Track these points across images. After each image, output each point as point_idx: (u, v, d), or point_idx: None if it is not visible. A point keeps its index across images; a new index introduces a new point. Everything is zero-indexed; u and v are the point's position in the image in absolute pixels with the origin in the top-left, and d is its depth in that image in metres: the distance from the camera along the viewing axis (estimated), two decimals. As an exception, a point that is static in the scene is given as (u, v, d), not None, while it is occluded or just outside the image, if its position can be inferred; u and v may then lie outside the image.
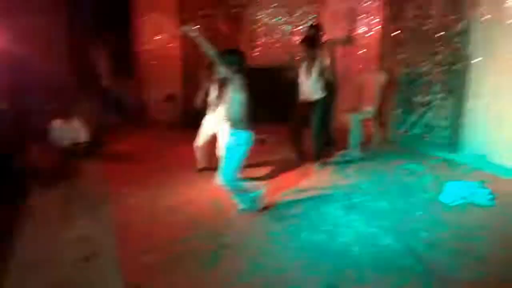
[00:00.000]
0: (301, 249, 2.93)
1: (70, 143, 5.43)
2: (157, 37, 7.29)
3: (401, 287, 2.47)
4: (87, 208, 3.79)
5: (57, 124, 5.43)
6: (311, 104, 4.67)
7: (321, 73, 4.56)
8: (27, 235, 3.32)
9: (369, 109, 5.41)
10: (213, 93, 4.42)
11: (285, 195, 3.93)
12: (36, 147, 5.15)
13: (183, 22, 7.13)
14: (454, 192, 3.68)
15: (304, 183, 4.26)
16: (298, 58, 4.78)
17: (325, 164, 4.76)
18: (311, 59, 4.59)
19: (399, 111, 5.47)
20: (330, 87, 4.69)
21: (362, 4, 5.95)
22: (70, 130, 5.49)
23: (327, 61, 4.65)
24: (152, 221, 3.48)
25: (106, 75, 7.76)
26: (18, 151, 4.90)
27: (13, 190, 4.18)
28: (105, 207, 3.82)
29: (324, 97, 4.65)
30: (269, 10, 7.24)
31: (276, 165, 4.78)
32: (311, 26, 4.89)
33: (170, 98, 7.19)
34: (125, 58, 7.67)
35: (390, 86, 5.41)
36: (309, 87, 4.62)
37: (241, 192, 3.46)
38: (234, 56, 3.31)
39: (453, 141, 4.78)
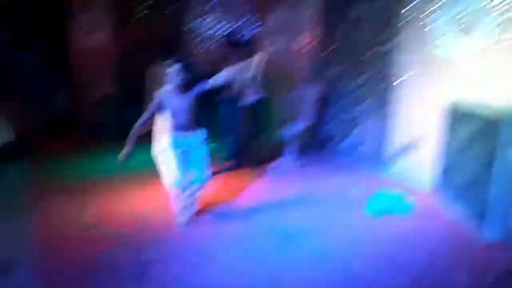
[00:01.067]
0: (230, 273, 2.87)
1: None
2: (91, 37, 6.96)
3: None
4: (4, 216, 3.49)
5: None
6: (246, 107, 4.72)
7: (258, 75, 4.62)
8: None
9: (303, 121, 5.56)
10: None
11: (216, 209, 3.90)
12: None
13: (118, 22, 6.96)
14: (375, 206, 3.89)
15: (235, 196, 4.26)
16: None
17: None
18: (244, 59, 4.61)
19: (331, 125, 5.70)
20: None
21: (300, 20, 6.13)
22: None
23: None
24: (74, 234, 3.29)
25: (36, 75, 7.28)
26: None
27: None
28: (24, 215, 3.55)
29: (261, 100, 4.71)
30: (210, 19, 7.19)
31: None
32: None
33: (105, 99, 6.87)
34: (58, 59, 7.25)
35: (322, 101, 5.62)
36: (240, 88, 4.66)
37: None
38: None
39: (378, 155, 5.05)
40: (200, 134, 3.58)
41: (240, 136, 4.83)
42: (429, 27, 4.25)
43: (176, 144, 3.41)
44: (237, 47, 4.60)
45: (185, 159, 3.40)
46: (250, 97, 4.67)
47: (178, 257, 3.00)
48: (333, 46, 5.53)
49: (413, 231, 3.52)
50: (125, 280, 2.68)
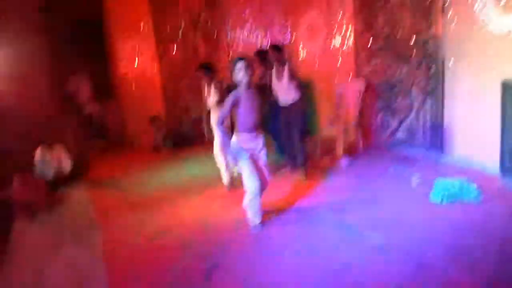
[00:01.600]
0: (298, 268, 2.85)
1: (54, 172, 5.35)
2: (136, 61, 7.30)
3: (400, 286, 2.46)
4: (73, 236, 3.71)
5: (39, 154, 5.34)
6: (286, 109, 4.70)
7: (292, 77, 4.58)
8: (14, 266, 3.23)
9: (351, 117, 5.48)
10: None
11: (277, 211, 3.86)
12: (19, 179, 5.02)
13: (160, 44, 7.26)
14: (441, 191, 3.71)
15: (295, 197, 4.22)
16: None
17: (306, 173, 4.75)
18: (280, 63, 4.63)
19: (381, 117, 5.54)
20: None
21: (336, 17, 6.07)
22: (53, 160, 5.41)
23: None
24: (140, 246, 3.42)
25: (88, 102, 7.72)
26: (2, 184, 4.80)
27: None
28: (92, 234, 3.74)
29: (300, 100, 4.66)
30: (245, 28, 7.31)
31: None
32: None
33: (154, 120, 7.15)
34: (106, 83, 7.66)
35: (369, 93, 5.50)
36: (283, 90, 4.65)
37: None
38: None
39: (436, 142, 4.84)
40: (263, 136, 3.53)
41: (287, 137, 4.83)
42: (477, 4, 4.06)
43: (246, 146, 3.37)
44: (273, 55, 4.65)
45: (253, 162, 3.37)
46: (287, 99, 4.66)
47: (246, 259, 3.01)
48: (375, 37, 5.40)
49: (482, 217, 3.31)
50: (195, 286, 2.73)
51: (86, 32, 7.33)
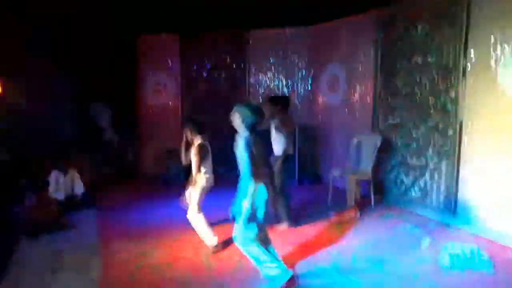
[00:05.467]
0: None
1: (66, 195, 5.44)
2: (159, 94, 7.56)
3: None
4: (74, 263, 3.71)
5: (53, 176, 5.46)
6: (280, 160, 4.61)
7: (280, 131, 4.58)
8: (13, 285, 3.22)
9: (365, 170, 5.46)
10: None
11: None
12: (33, 197, 5.13)
13: (185, 81, 7.53)
14: (452, 257, 3.59)
15: (297, 249, 4.14)
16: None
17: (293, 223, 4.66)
18: (283, 116, 4.65)
19: (395, 173, 5.50)
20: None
21: (357, 71, 6.22)
22: (66, 183, 5.52)
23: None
24: (140, 278, 3.38)
25: (109, 129, 7.96)
26: (17, 201, 4.91)
27: (5, 239, 4.16)
28: (92, 261, 3.74)
29: (291, 155, 4.70)
30: (269, 74, 7.53)
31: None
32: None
33: (171, 153, 7.24)
34: (129, 113, 7.90)
35: (385, 148, 5.51)
36: (280, 143, 4.60)
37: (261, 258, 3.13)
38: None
39: (449, 204, 4.74)
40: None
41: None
42: (499, 68, 4.13)
43: (263, 198, 3.14)
44: (278, 105, 4.69)
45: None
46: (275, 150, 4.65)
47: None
48: (395, 94, 5.48)
49: (493, 287, 3.18)
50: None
51: (118, 62, 7.69)
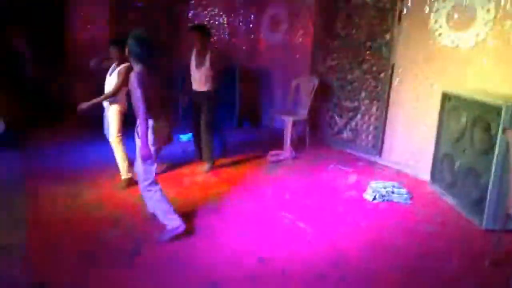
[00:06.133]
0: (225, 245, 2.91)
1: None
2: (88, 27, 6.92)
3: (320, 276, 2.54)
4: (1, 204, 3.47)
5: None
6: (201, 96, 4.48)
7: (212, 65, 4.38)
8: None
9: (302, 112, 5.56)
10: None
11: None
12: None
13: (117, 13, 6.93)
14: (375, 191, 3.89)
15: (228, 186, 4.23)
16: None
17: (212, 165, 4.56)
18: (203, 48, 4.40)
19: (330, 114, 5.68)
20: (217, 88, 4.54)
21: (298, 13, 6.12)
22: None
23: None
24: (69, 217, 3.27)
25: (31, 64, 7.23)
26: None
27: None
28: (17, 201, 3.53)
29: (216, 90, 4.49)
30: (208, 9, 7.16)
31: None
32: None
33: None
34: (56, 48, 7.20)
35: (322, 90, 5.61)
36: (200, 77, 4.43)
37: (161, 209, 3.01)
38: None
39: (376, 144, 5.05)
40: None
41: (194, 125, 4.66)
42: (431, 18, 4.25)
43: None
44: (196, 37, 4.35)
45: None
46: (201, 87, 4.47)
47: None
48: (333, 36, 5.50)
49: (409, 218, 3.52)
50: (120, 259, 2.66)
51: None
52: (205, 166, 4.56)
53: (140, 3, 7.01)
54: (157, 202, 3.00)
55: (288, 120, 5.49)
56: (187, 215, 3.32)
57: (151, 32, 6.88)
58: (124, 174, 3.98)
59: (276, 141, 5.51)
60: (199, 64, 4.44)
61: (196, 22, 6.98)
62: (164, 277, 2.49)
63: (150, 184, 2.97)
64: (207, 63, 4.40)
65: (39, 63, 7.29)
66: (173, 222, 2.94)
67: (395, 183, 4.11)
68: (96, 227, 3.12)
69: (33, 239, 2.90)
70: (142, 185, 3.00)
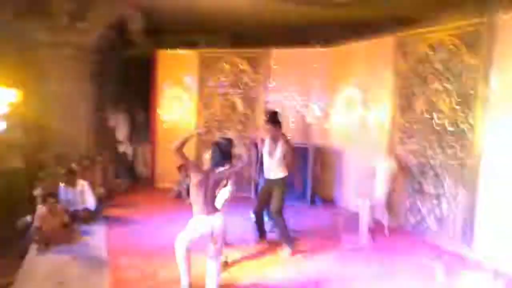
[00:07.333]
0: None
1: (76, 208, 5.41)
2: (175, 109, 7.59)
3: None
4: (80, 277, 3.68)
5: (62, 190, 5.42)
6: (273, 182, 4.58)
7: (284, 156, 4.51)
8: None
9: (379, 195, 5.34)
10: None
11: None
12: (45, 206, 5.09)
13: (200, 97, 7.57)
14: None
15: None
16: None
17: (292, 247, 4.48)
18: (275, 139, 4.54)
19: (411, 200, 5.37)
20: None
21: (375, 93, 6.15)
22: (77, 195, 5.48)
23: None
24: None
25: (124, 141, 8.02)
26: (29, 211, 4.91)
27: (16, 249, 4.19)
28: (99, 278, 3.70)
29: (286, 177, 4.57)
30: (285, 94, 7.46)
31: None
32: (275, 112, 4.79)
33: (182, 167, 7.23)
34: (144, 126, 7.97)
35: (402, 174, 5.39)
36: (273, 165, 4.56)
37: None
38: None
39: (465, 235, 4.58)
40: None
41: (260, 207, 4.78)
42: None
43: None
44: (269, 126, 4.56)
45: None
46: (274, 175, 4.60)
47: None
48: (413, 118, 5.39)
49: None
50: None
51: (136, 76, 7.80)
52: (287, 249, 4.48)
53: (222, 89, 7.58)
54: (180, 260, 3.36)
55: (365, 203, 5.29)
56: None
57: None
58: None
59: (351, 225, 5.27)
60: (272, 154, 4.58)
61: (269, 105, 7.28)
62: None
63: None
64: (279, 153, 4.53)
65: (129, 140, 8.08)
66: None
67: (487, 276, 3.61)
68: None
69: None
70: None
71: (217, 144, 3.60)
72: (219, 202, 3.90)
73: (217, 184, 3.54)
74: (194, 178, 3.33)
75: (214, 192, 3.50)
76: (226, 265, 4.00)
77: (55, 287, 3.43)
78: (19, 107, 5.95)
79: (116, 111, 8.01)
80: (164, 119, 7.74)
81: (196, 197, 3.34)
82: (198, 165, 3.57)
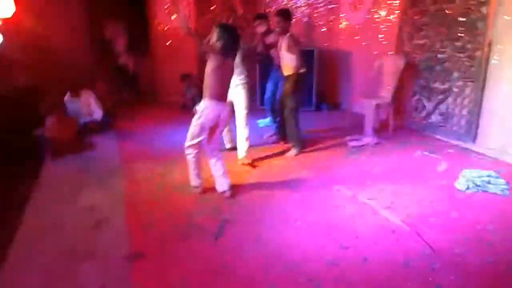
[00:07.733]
0: (309, 227, 2.92)
1: (84, 120, 5.51)
2: (173, 17, 7.24)
3: (405, 264, 2.44)
4: (97, 180, 3.87)
5: (68, 100, 5.47)
6: (285, 78, 4.51)
7: (288, 49, 4.34)
8: (38, 203, 3.41)
9: (386, 94, 5.29)
10: None
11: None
12: (53, 117, 5.16)
13: (198, 3, 7.17)
14: (468, 180, 3.59)
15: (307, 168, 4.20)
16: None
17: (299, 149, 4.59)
18: (283, 32, 4.40)
19: (417, 97, 5.33)
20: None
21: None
22: (84, 106, 5.55)
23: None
24: (159, 195, 3.52)
25: (123, 53, 7.84)
26: (37, 123, 5.01)
27: (29, 158, 4.34)
28: (115, 180, 3.89)
29: (299, 74, 4.41)
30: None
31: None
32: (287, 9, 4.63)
33: (185, 78, 7.16)
34: (142, 37, 7.71)
35: (408, 71, 5.28)
36: (282, 61, 4.50)
37: None
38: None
39: (471, 130, 4.62)
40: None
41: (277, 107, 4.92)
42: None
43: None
44: (276, 20, 4.43)
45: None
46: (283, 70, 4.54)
47: (257, 219, 3.07)
48: (421, 12, 5.10)
49: (507, 210, 3.18)
50: (207, 236, 2.81)
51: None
52: (293, 151, 4.58)
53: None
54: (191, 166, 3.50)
55: (370, 104, 5.28)
56: (266, 197, 3.40)
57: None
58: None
59: (356, 126, 5.34)
60: (280, 48, 4.47)
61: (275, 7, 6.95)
62: (248, 256, 2.58)
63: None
64: (284, 47, 4.39)
65: (129, 51, 7.88)
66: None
67: (492, 172, 3.71)
68: (184, 206, 3.33)
69: (129, 214, 3.19)
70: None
71: (224, 26, 3.35)
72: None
73: (232, 71, 3.45)
74: (212, 63, 3.24)
75: (229, 79, 3.44)
76: (252, 165, 4.21)
77: (75, 189, 3.61)
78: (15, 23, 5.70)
79: (113, 21, 7.69)
80: (162, 27, 7.44)
81: (210, 82, 3.27)
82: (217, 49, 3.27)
